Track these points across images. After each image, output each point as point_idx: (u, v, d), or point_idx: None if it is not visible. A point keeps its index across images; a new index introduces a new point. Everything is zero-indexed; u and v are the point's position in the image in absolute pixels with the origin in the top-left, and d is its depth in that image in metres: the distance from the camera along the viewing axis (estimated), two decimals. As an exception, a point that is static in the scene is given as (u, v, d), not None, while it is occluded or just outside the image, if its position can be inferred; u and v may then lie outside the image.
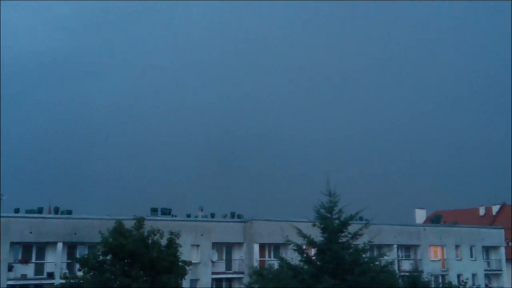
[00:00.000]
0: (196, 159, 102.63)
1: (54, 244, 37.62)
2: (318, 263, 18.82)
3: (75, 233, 37.93)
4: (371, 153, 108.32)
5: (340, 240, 18.84)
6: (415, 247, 51.77)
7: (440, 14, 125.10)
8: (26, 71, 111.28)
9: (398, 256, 49.62)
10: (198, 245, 42.15)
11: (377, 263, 19.34)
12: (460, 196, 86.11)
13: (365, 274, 17.81)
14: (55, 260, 37.27)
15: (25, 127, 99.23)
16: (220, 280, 43.86)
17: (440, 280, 48.49)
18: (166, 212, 45.15)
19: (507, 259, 56.14)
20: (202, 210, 48.09)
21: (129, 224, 25.71)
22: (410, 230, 52.25)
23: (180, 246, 26.30)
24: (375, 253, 35.41)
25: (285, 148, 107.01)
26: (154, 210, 44.81)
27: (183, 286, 26.88)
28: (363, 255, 18.91)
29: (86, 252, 34.60)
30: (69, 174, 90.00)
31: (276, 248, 44.15)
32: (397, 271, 40.10)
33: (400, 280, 30.28)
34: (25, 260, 37.27)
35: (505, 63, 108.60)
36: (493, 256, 56.03)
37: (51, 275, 36.97)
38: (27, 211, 39.70)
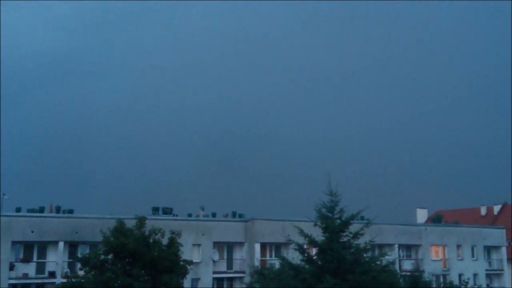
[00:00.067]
0: (196, 159, 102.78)
1: (56, 243, 37.69)
2: (319, 262, 18.79)
3: (76, 232, 37.99)
4: (371, 153, 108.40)
5: (341, 240, 18.79)
6: (416, 247, 51.76)
7: (440, 14, 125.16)
8: (26, 71, 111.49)
9: (399, 256, 49.58)
10: (199, 245, 42.17)
11: (378, 262, 19.28)
12: (462, 196, 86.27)
13: (366, 273, 17.78)
14: (57, 259, 37.34)
15: (25, 127, 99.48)
16: (221, 279, 43.87)
17: (442, 280, 48.43)
18: (167, 211, 45.17)
19: (508, 259, 56.11)
20: (203, 209, 48.12)
21: (130, 224, 25.74)
22: (411, 230, 52.25)
23: (181, 246, 26.32)
24: (376, 252, 35.35)
25: (285, 148, 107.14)
26: (155, 210, 44.83)
27: (184, 285, 26.93)
28: (364, 255, 18.86)
29: (87, 251, 34.71)
30: (70, 174, 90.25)
31: (277, 247, 44.18)
32: (398, 271, 40.01)
33: (401, 280, 30.23)
34: (27, 259, 37.35)
35: (505, 63, 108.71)
36: (494, 256, 55.99)
37: (52, 274, 37.05)
38: (29, 210, 39.74)
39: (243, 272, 43.11)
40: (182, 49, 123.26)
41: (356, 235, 18.89)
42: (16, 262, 36.82)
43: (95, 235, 29.30)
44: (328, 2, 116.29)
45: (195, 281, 40.96)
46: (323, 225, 18.97)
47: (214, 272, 42.87)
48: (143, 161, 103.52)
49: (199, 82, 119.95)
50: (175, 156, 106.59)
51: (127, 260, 24.48)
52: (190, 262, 26.89)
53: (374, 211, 22.14)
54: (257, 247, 43.25)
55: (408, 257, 51.64)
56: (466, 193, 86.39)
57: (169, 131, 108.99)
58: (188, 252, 33.47)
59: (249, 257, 43.34)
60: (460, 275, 51.05)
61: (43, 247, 38.06)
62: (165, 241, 25.66)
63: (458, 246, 53.63)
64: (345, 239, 18.94)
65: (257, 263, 40.83)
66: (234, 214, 47.27)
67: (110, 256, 24.70)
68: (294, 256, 20.05)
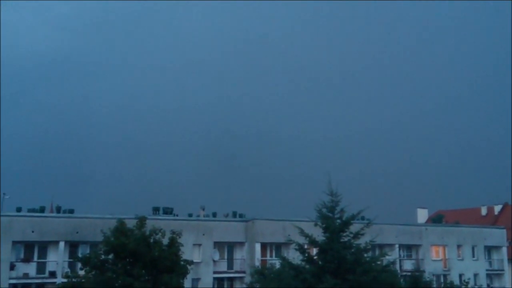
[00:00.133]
0: (196, 159, 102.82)
1: (56, 243, 37.70)
2: (320, 262, 18.78)
3: (77, 232, 37.99)
4: (371, 153, 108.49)
5: (341, 240, 18.79)
6: (417, 246, 51.75)
7: (440, 14, 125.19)
8: (26, 71, 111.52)
9: (399, 255, 49.55)
10: (199, 245, 42.18)
11: (378, 262, 19.27)
12: (462, 196, 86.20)
13: (367, 273, 17.78)
14: (57, 259, 37.34)
15: (25, 127, 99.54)
16: (222, 279, 43.87)
17: (442, 280, 48.46)
18: (168, 211, 45.16)
19: (509, 259, 56.08)
20: (203, 209, 48.11)
21: (131, 223, 25.75)
22: (412, 230, 52.23)
23: (182, 245, 26.34)
24: (377, 252, 35.34)
25: (285, 148, 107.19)
26: (156, 209, 44.83)
27: (185, 285, 26.92)
28: (365, 255, 18.86)
29: (88, 251, 34.69)
30: (70, 174, 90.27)
31: (278, 247, 44.16)
32: (398, 271, 40.04)
33: (401, 280, 30.23)
34: (27, 259, 37.37)
35: (505, 63, 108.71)
36: (495, 256, 55.97)
37: (53, 274, 37.05)
38: (29, 210, 39.75)
39: (244, 272, 43.11)
40: (182, 49, 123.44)
41: (357, 235, 18.89)
42: (16, 262, 36.83)
43: (96, 235, 29.33)
44: (328, 2, 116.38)
45: (195, 281, 40.97)
46: (324, 225, 18.96)
47: (215, 272, 42.86)
48: (143, 161, 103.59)
49: (199, 82, 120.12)
50: (175, 156, 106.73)
51: (127, 260, 24.49)
52: (191, 262, 26.90)
53: (375, 211, 22.18)
54: (258, 247, 43.25)
55: (409, 257, 51.63)
56: (466, 193, 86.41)
57: (169, 131, 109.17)
58: (188, 252, 33.46)
59: (249, 257, 43.35)
60: (460, 275, 51.02)
61: (43, 247, 38.08)
62: (165, 241, 25.67)
63: (459, 246, 53.60)
64: (346, 239, 18.94)
65: (257, 263, 40.82)
66: (234, 214, 47.27)
67: (110, 256, 24.71)
68: (294, 256, 20.04)
